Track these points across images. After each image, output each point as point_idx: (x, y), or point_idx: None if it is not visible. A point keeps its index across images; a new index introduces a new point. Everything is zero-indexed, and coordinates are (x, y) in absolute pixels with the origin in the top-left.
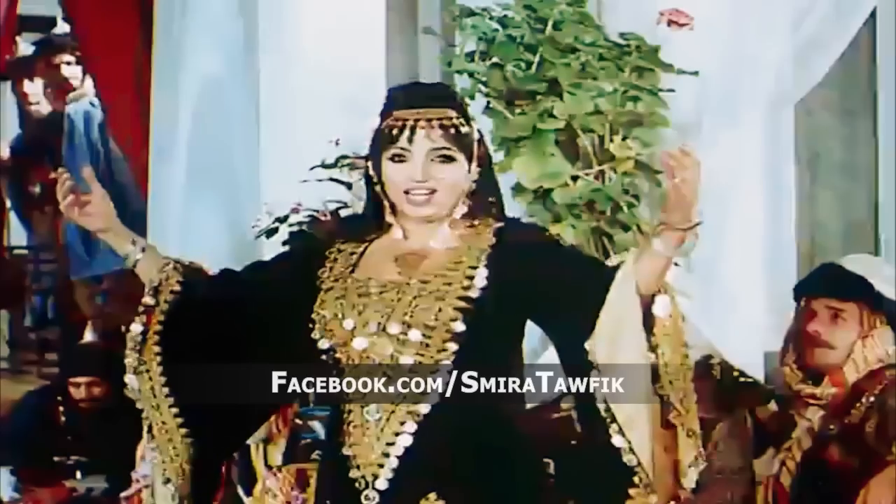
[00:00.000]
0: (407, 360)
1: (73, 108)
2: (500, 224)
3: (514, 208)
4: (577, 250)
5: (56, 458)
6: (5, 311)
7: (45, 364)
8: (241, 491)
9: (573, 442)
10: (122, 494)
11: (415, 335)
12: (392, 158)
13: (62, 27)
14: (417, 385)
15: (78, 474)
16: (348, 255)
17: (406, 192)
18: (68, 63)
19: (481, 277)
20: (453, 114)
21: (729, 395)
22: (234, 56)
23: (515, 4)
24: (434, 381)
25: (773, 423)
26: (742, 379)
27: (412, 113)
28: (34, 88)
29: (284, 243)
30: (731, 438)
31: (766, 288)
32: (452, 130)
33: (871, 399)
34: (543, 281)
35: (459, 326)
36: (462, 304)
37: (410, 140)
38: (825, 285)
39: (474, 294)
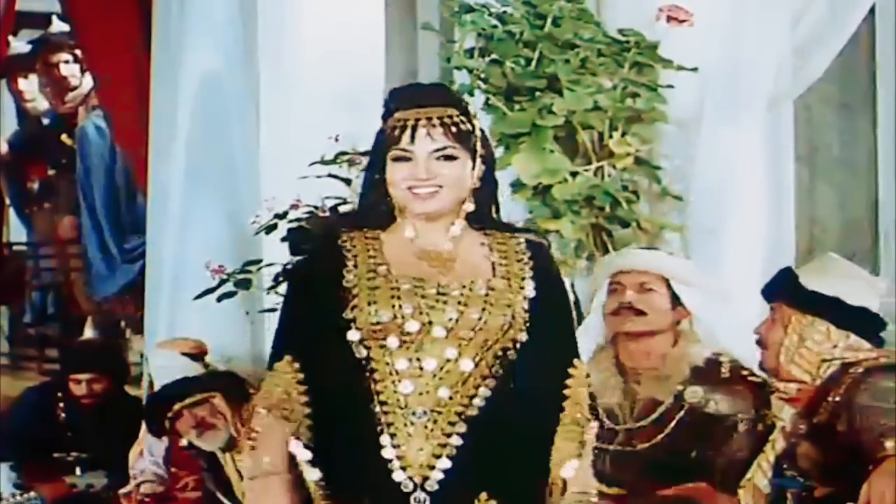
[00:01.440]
0: (467, 363)
1: (85, 125)
2: (524, 238)
3: (514, 205)
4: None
5: (56, 455)
6: (5, 308)
7: (44, 360)
8: (221, 497)
9: None
10: (121, 491)
11: (481, 340)
12: (396, 159)
13: (58, 25)
14: (469, 388)
15: (77, 470)
16: (365, 245)
17: (410, 189)
18: (66, 62)
19: (530, 289)
20: (454, 112)
21: (736, 393)
22: (234, 53)
23: (514, 1)
24: (487, 385)
25: (762, 425)
26: (750, 378)
27: (413, 113)
28: (29, 85)
29: (283, 240)
30: (738, 436)
31: (764, 283)
32: (454, 129)
33: (837, 399)
34: (556, 311)
35: (524, 336)
36: (525, 314)
37: (412, 140)
38: (767, 289)
39: (528, 305)
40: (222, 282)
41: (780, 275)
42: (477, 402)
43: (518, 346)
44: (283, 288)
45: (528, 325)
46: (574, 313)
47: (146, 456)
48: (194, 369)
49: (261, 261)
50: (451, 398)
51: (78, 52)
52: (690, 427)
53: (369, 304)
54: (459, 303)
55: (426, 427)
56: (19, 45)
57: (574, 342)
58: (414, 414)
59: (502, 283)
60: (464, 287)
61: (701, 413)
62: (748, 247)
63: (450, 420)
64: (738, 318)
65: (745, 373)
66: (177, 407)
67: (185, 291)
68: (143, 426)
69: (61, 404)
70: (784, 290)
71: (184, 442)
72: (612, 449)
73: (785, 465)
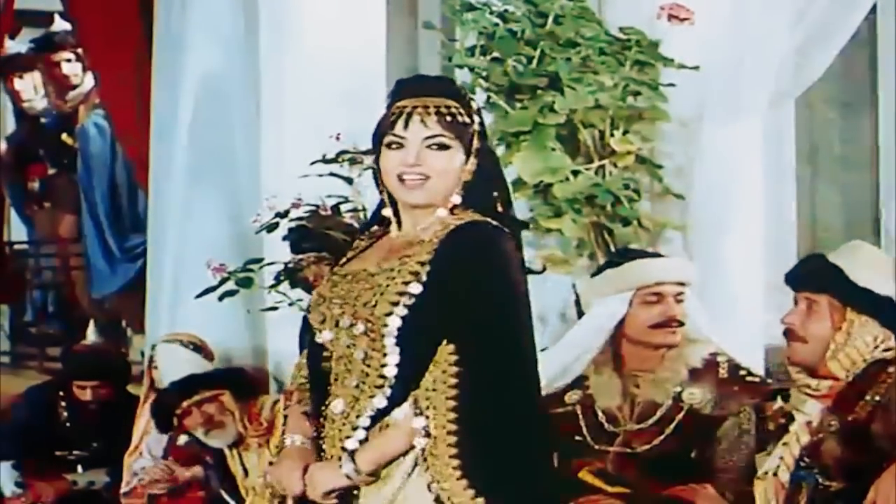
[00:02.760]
0: (359, 353)
1: (86, 125)
2: (463, 222)
3: (516, 203)
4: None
5: (58, 453)
6: (6, 306)
7: (45, 359)
8: (225, 495)
9: (577, 438)
10: (122, 490)
11: (359, 328)
12: (389, 146)
13: (60, 24)
14: (375, 378)
15: (79, 468)
16: (354, 249)
17: (399, 178)
18: (68, 60)
19: (424, 273)
20: (453, 103)
21: (734, 393)
22: (235, 51)
23: None
24: (386, 377)
25: (775, 418)
26: (749, 378)
27: (411, 101)
28: (25, 85)
29: (284, 238)
30: (735, 437)
31: (766, 282)
32: (449, 118)
33: (878, 398)
34: (460, 301)
35: (395, 321)
36: (398, 298)
37: (406, 126)
38: (803, 277)
39: (415, 290)
40: (223, 280)
41: (819, 264)
42: (385, 392)
43: (396, 332)
44: (284, 286)
45: (408, 310)
46: (500, 300)
47: (145, 455)
48: (203, 366)
49: (262, 259)
50: (360, 390)
51: (80, 50)
52: (690, 428)
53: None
54: (347, 291)
55: (341, 419)
56: (13, 45)
57: (455, 327)
58: (335, 405)
59: (390, 269)
60: (357, 275)
61: (700, 414)
62: (750, 245)
63: (357, 413)
64: (739, 317)
65: (742, 372)
66: (186, 404)
67: (187, 290)
68: (138, 428)
69: (63, 403)
70: (832, 283)
71: (181, 441)
72: (612, 451)
73: (805, 461)
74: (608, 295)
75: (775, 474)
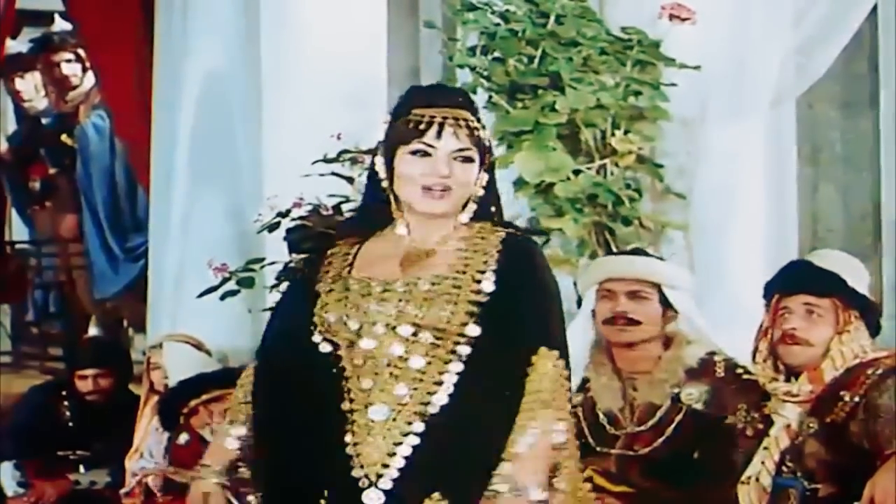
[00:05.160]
0: (417, 361)
1: (85, 125)
2: (505, 233)
3: (517, 203)
4: (545, 301)
5: (60, 453)
6: (8, 306)
7: (47, 358)
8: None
9: (579, 440)
10: (122, 491)
11: (426, 337)
12: (414, 153)
13: (60, 24)
14: (428, 385)
15: (81, 468)
16: (344, 254)
17: (424, 187)
18: (68, 61)
19: (489, 282)
20: (471, 117)
21: (732, 391)
22: (236, 51)
23: None
24: (443, 383)
25: (753, 422)
26: (745, 376)
27: (439, 111)
28: (26, 85)
29: (284, 238)
30: (735, 435)
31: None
32: (475, 132)
33: (856, 399)
34: (522, 304)
35: (474, 329)
36: (473, 307)
37: (439, 136)
38: (800, 282)
39: (483, 298)
40: (225, 280)
41: (813, 269)
42: (438, 399)
43: (472, 340)
44: (286, 286)
45: (481, 319)
46: (559, 309)
47: (146, 457)
48: (211, 365)
49: (264, 259)
50: (410, 396)
51: (79, 50)
52: (690, 429)
53: (323, 306)
54: (401, 300)
55: (385, 425)
56: (15, 44)
57: (544, 334)
58: (375, 412)
59: (451, 277)
60: (408, 284)
61: (699, 414)
62: (751, 244)
63: (407, 419)
64: (739, 316)
65: (739, 371)
66: (193, 403)
67: (188, 290)
68: (139, 430)
69: (66, 403)
70: (836, 287)
71: (181, 440)
72: (614, 453)
73: (788, 465)
74: (584, 291)
75: (757, 479)
